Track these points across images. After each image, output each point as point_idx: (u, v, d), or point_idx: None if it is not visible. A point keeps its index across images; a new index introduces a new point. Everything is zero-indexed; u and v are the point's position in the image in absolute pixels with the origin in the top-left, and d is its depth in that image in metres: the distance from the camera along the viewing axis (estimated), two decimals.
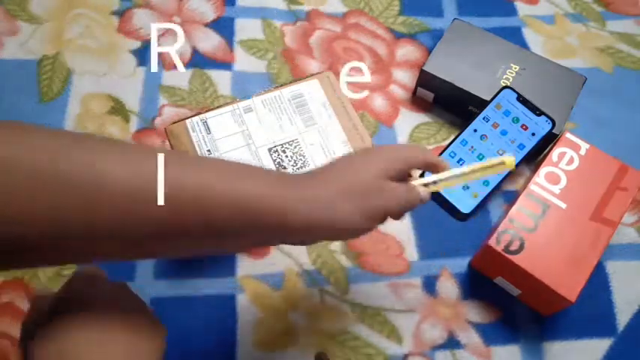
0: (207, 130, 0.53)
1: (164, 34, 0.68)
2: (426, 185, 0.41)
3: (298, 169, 0.52)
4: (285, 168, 0.52)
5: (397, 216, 0.39)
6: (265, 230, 0.33)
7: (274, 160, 0.52)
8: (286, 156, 0.52)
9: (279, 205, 0.32)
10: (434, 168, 0.41)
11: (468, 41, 0.65)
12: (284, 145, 0.53)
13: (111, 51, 0.66)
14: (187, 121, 0.54)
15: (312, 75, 0.57)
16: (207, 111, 0.54)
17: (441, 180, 0.41)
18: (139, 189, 0.28)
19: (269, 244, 0.35)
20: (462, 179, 0.42)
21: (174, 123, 0.54)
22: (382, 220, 0.37)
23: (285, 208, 0.32)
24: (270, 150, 0.53)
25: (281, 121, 0.54)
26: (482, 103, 0.62)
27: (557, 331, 0.55)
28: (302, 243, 0.36)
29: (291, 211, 0.33)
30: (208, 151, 0.52)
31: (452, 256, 0.58)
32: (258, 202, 0.32)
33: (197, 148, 0.52)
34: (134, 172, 0.29)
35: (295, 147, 0.53)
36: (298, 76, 0.67)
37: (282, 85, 0.56)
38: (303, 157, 0.53)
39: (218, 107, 0.55)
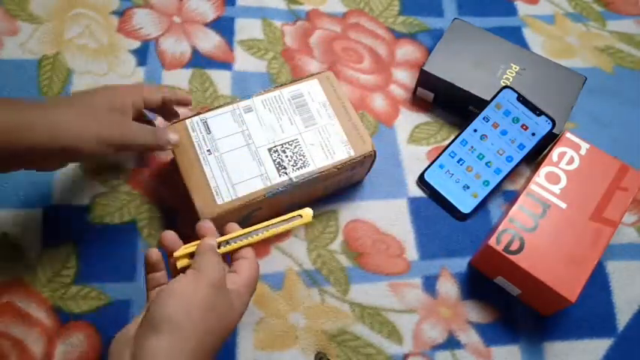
0: (208, 129, 0.53)
1: (164, 33, 0.68)
2: (218, 247, 0.44)
3: (298, 169, 0.52)
4: (285, 168, 0.52)
5: (140, 150, 0.50)
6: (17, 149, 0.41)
7: (274, 160, 0.52)
8: (286, 156, 0.52)
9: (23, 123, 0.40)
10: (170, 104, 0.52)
11: (468, 41, 0.65)
12: (284, 145, 0.53)
13: (111, 51, 0.66)
14: (187, 121, 0.53)
15: (312, 75, 0.57)
16: (207, 111, 0.54)
17: (233, 239, 0.45)
18: None
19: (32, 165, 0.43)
20: (255, 239, 0.45)
21: (174, 122, 0.54)
22: (119, 149, 0.45)
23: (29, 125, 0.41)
24: (270, 150, 0.52)
25: (281, 121, 0.54)
26: (482, 103, 0.62)
27: (557, 331, 0.55)
28: (50, 167, 0.45)
29: (33, 128, 0.41)
30: (208, 150, 0.52)
31: (452, 256, 0.58)
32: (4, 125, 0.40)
33: (197, 148, 0.52)
34: None
35: (295, 147, 0.53)
36: (298, 76, 0.67)
37: (282, 85, 0.56)
38: (303, 157, 0.53)
39: (218, 107, 0.54)
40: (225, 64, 0.67)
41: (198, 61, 0.67)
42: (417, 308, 0.55)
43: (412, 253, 0.58)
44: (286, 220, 0.46)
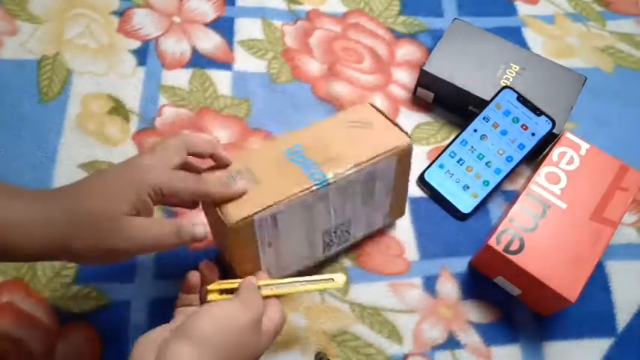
0: (275, 224, 0.45)
1: (164, 33, 0.68)
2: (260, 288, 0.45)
3: (341, 244, 0.53)
4: (331, 245, 0.52)
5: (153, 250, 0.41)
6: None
7: (324, 242, 0.51)
8: (335, 235, 0.51)
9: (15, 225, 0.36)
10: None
11: (468, 41, 0.65)
12: (337, 227, 0.50)
13: (111, 51, 0.66)
14: (256, 217, 0.43)
15: (392, 149, 0.48)
16: (275, 203, 0.44)
17: (272, 286, 0.45)
18: None
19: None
20: (290, 291, 0.46)
21: (241, 220, 0.42)
22: (123, 258, 0.40)
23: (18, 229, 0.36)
24: (323, 232, 0.50)
25: (345, 205, 0.48)
26: (482, 103, 0.62)
27: (557, 331, 0.55)
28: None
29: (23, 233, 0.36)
30: (269, 243, 0.46)
31: (452, 256, 0.58)
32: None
33: (258, 241, 0.45)
34: None
35: (345, 225, 0.51)
36: (298, 77, 0.67)
37: (361, 164, 0.46)
38: (349, 234, 0.52)
39: (291, 196, 0.44)
40: (225, 64, 0.67)
41: (198, 61, 0.67)
42: (417, 308, 0.55)
43: (412, 253, 0.58)
44: (319, 280, 0.46)
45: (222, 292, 0.45)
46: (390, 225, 0.58)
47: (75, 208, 0.37)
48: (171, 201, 0.43)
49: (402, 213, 0.57)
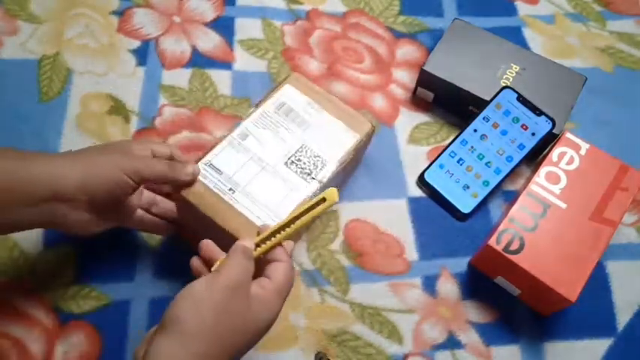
0: (217, 170, 0.50)
1: (164, 33, 0.68)
2: (256, 248, 0.42)
3: (320, 169, 0.51)
4: (309, 174, 0.51)
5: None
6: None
7: (296, 172, 0.51)
8: (303, 163, 0.51)
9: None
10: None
11: (467, 41, 0.65)
12: (296, 155, 0.52)
13: (111, 51, 0.66)
14: (199, 170, 0.50)
15: (280, 83, 0.56)
16: (204, 154, 0.51)
17: (264, 240, 0.42)
18: None
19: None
20: (289, 232, 0.42)
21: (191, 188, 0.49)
22: (136, 182, 0.44)
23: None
24: (286, 164, 0.51)
25: (279, 134, 0.53)
26: (482, 103, 0.62)
27: (557, 331, 0.55)
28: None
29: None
30: (231, 189, 0.49)
31: (452, 256, 0.58)
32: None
33: (219, 193, 0.49)
34: None
35: (306, 152, 0.52)
36: None
37: (260, 102, 0.55)
38: (319, 156, 0.52)
39: (213, 147, 0.51)
40: (225, 64, 0.67)
41: (198, 60, 0.67)
42: (417, 308, 0.55)
43: (412, 253, 0.58)
44: (313, 206, 0.43)
45: None
46: (367, 141, 0.56)
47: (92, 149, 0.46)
48: (149, 187, 0.51)
49: (366, 124, 0.55)
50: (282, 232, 0.43)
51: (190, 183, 0.48)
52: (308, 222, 0.43)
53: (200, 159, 0.51)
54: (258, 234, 0.44)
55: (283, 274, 0.41)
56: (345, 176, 0.58)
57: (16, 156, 0.42)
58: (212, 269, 0.42)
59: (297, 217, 0.43)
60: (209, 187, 0.49)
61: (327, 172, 0.52)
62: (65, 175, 0.41)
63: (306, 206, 0.43)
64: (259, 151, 0.52)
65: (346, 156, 0.53)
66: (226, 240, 0.48)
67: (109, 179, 0.43)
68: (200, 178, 0.49)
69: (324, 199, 0.43)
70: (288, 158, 0.52)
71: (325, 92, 0.56)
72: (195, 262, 0.43)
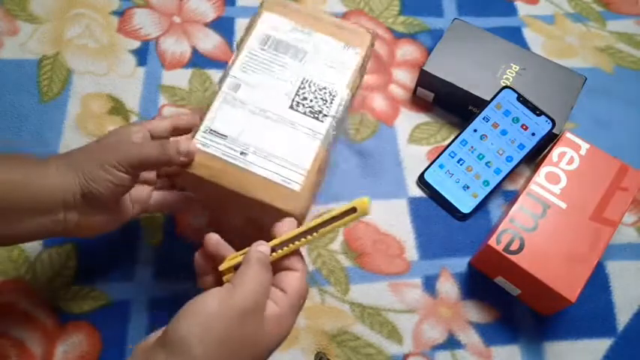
0: (220, 135, 0.45)
1: (164, 33, 0.68)
2: (272, 253, 0.38)
3: (330, 103, 0.46)
4: (320, 111, 0.46)
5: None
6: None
7: (304, 112, 0.45)
8: (310, 100, 0.46)
9: None
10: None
11: (467, 41, 0.65)
12: (299, 93, 0.46)
13: (111, 51, 0.66)
14: (194, 141, 0.46)
15: (256, 14, 0.49)
16: (200, 121, 0.47)
17: (284, 244, 0.38)
18: None
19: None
20: (311, 239, 0.38)
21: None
22: (131, 170, 0.42)
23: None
24: (292, 107, 0.46)
25: (274, 73, 0.47)
26: (482, 103, 0.62)
27: (557, 331, 0.55)
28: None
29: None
30: (242, 153, 0.45)
31: (452, 256, 0.58)
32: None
33: (229, 159, 0.44)
34: None
35: (310, 86, 0.47)
36: None
37: (242, 42, 0.49)
38: (324, 89, 0.47)
39: (206, 110, 0.47)
40: (225, 64, 0.67)
41: (198, 61, 0.67)
42: (417, 308, 0.55)
43: (412, 253, 0.58)
44: (342, 214, 0.37)
45: (237, 268, 0.37)
46: (369, 54, 0.51)
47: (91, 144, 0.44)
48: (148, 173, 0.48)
49: (365, 36, 0.50)
50: (304, 238, 0.38)
51: (188, 163, 0.44)
52: (332, 231, 0.38)
53: (196, 130, 0.46)
54: (272, 237, 0.39)
55: (299, 286, 0.37)
56: (355, 95, 0.52)
57: (26, 164, 0.41)
58: (220, 268, 0.39)
59: (321, 225, 0.38)
60: (217, 156, 0.44)
61: (338, 104, 0.46)
62: (67, 183, 0.41)
63: (334, 214, 0.37)
64: (258, 99, 0.46)
65: (354, 78, 0.47)
66: (256, 210, 0.44)
67: (104, 180, 0.41)
68: (204, 148, 0.45)
69: (354, 209, 0.37)
70: (292, 100, 0.46)
71: (309, 8, 0.49)
72: (199, 259, 0.40)
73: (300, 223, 0.44)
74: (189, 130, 0.47)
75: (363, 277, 0.56)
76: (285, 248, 0.38)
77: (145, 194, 0.49)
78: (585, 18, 0.75)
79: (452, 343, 0.54)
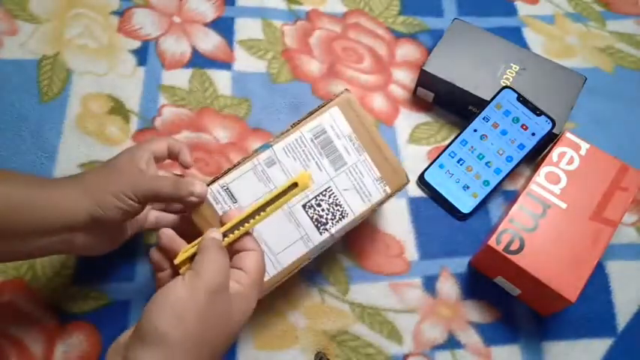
0: (232, 197, 0.46)
1: (164, 33, 0.68)
2: (224, 237, 0.40)
3: (337, 221, 0.48)
4: (324, 224, 0.48)
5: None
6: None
7: (311, 217, 0.47)
8: (322, 209, 0.48)
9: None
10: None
11: (468, 41, 0.65)
12: (318, 198, 0.47)
13: (111, 51, 0.66)
14: (210, 190, 0.47)
15: (331, 100, 0.49)
16: (224, 174, 0.47)
17: (234, 227, 0.40)
18: None
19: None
20: (259, 219, 0.40)
21: (200, 210, 0.47)
22: (139, 202, 0.43)
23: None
24: (304, 206, 0.47)
25: (309, 168, 0.48)
26: (482, 103, 0.62)
27: (557, 331, 0.55)
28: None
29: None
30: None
31: (452, 256, 0.58)
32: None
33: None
34: None
35: (329, 197, 0.48)
36: (298, 77, 0.67)
37: (300, 122, 0.49)
38: (340, 206, 0.48)
39: (236, 166, 0.47)
40: (225, 64, 0.67)
41: (198, 61, 0.67)
42: (417, 308, 0.55)
43: (412, 253, 0.58)
44: (284, 191, 0.40)
45: (192, 259, 0.40)
46: (394, 194, 0.51)
47: (101, 169, 0.45)
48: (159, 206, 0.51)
49: (402, 179, 0.50)
50: (252, 219, 0.40)
51: (197, 204, 0.46)
52: (279, 207, 0.41)
53: (216, 178, 0.47)
54: (222, 224, 0.42)
55: (256, 264, 0.40)
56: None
57: (33, 183, 0.42)
58: (175, 261, 0.40)
59: (267, 204, 0.41)
60: (218, 215, 0.46)
61: (342, 226, 0.48)
62: (77, 207, 0.41)
63: (277, 192, 0.41)
64: (280, 183, 0.47)
65: (368, 210, 0.49)
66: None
67: (115, 207, 0.42)
68: (212, 201, 0.46)
69: (295, 184, 0.40)
70: (308, 201, 0.47)
71: (373, 127, 0.50)
72: (155, 254, 0.42)
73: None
74: (175, 156, 0.49)
75: (363, 277, 0.56)
76: (237, 231, 0.40)
77: (143, 214, 0.50)
78: (585, 18, 0.75)
79: (452, 343, 0.54)
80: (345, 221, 0.48)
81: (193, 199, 0.44)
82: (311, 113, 0.49)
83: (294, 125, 0.49)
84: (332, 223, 0.48)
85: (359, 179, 0.49)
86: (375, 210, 0.50)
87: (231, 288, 0.38)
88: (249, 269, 0.39)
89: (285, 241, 0.47)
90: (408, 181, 0.51)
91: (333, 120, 0.49)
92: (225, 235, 0.41)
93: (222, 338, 0.37)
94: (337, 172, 0.48)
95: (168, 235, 0.42)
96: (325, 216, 0.48)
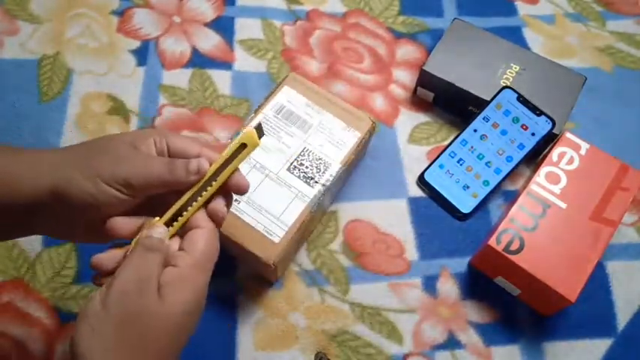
0: None
1: (164, 33, 0.68)
2: (171, 223, 0.36)
3: (323, 172, 0.52)
4: (312, 178, 0.52)
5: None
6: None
7: (298, 176, 0.52)
8: (306, 167, 0.52)
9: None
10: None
11: (468, 41, 0.65)
12: (298, 159, 0.53)
13: (111, 51, 0.66)
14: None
15: (278, 85, 0.57)
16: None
17: (183, 208, 0.36)
18: None
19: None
20: (207, 194, 0.36)
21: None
22: (133, 189, 0.35)
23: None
24: (289, 169, 0.52)
25: (281, 139, 0.54)
26: (482, 103, 0.62)
27: (557, 331, 0.55)
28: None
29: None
30: (235, 200, 0.49)
31: (452, 256, 0.58)
32: None
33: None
34: None
35: (309, 155, 0.53)
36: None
37: (260, 108, 0.55)
38: (321, 159, 0.53)
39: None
40: (225, 64, 0.67)
41: (198, 61, 0.67)
42: (417, 308, 0.55)
43: (412, 253, 0.58)
44: (232, 156, 0.36)
45: None
46: (368, 137, 0.55)
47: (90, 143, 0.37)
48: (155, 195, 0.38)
49: (367, 122, 0.55)
50: (205, 192, 0.36)
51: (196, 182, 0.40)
52: (230, 173, 0.36)
53: None
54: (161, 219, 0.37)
55: (203, 242, 0.35)
56: (347, 173, 0.58)
57: (8, 152, 0.37)
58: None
59: (217, 173, 0.36)
60: None
61: (330, 175, 0.52)
62: (40, 175, 0.35)
63: (225, 156, 0.36)
64: (262, 158, 0.52)
65: (348, 156, 0.54)
66: (236, 250, 0.50)
67: (83, 190, 0.34)
68: None
69: (244, 145, 0.36)
70: (291, 164, 0.52)
71: (324, 91, 0.57)
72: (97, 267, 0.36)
73: (275, 272, 0.50)
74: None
75: (363, 277, 0.56)
76: (189, 209, 0.36)
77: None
78: (585, 18, 0.75)
79: (452, 343, 0.54)
80: (330, 170, 0.53)
81: (193, 177, 0.36)
82: (266, 99, 0.56)
83: (256, 111, 0.55)
84: (319, 175, 0.52)
85: (329, 133, 0.54)
86: (357, 157, 0.56)
87: (163, 277, 0.33)
88: (192, 249, 0.34)
89: (282, 204, 0.50)
90: (374, 122, 0.56)
91: (287, 96, 0.56)
92: (175, 219, 0.36)
93: (162, 338, 0.33)
94: (307, 134, 0.54)
95: (99, 261, 0.36)
96: (311, 171, 0.52)
